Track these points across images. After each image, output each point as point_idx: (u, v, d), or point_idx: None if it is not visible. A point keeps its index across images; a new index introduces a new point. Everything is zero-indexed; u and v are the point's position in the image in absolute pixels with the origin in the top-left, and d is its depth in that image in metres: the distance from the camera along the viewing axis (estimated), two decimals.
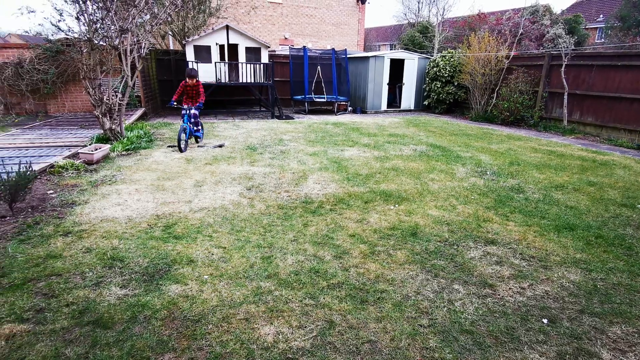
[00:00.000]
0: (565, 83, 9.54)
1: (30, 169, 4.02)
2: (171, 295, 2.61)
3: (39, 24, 35.64)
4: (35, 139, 7.16)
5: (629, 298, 2.73)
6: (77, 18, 6.39)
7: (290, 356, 2.10)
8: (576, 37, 16.22)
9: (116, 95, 6.96)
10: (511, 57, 11.00)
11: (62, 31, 6.69)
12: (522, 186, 5.17)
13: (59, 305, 2.46)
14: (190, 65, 10.62)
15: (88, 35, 6.53)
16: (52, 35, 10.26)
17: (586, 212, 4.33)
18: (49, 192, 4.50)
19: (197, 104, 7.06)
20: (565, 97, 9.60)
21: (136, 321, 2.34)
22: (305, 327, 2.34)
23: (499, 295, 2.75)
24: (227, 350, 2.13)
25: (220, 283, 2.77)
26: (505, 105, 10.62)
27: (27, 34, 8.71)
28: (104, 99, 6.60)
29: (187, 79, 6.91)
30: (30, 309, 2.42)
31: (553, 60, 9.99)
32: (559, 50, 9.79)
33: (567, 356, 2.17)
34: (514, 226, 3.91)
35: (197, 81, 7.01)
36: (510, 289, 2.83)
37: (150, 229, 3.58)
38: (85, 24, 6.47)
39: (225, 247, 3.30)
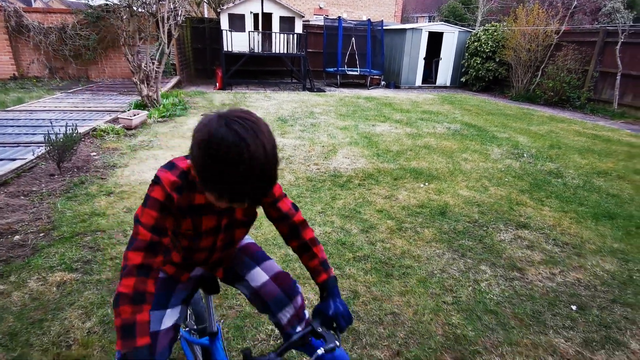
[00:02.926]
0: (619, 62, 8.82)
1: (76, 131, 4.24)
2: None
3: None
4: (79, 103, 7.51)
5: None
6: None
7: None
8: (635, 12, 14.79)
9: (153, 63, 7.12)
10: (561, 32, 10.23)
11: None
12: (561, 171, 4.94)
13: (104, 259, 2.66)
14: (224, 35, 10.55)
15: (127, 2, 6.64)
16: (92, 1, 10.50)
17: (629, 201, 4.11)
18: (92, 154, 4.76)
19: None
20: (619, 77, 8.90)
21: None
22: None
23: (527, 279, 2.71)
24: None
25: None
26: (550, 85, 9.99)
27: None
28: (142, 66, 6.77)
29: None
30: (79, 260, 2.63)
31: (608, 37, 9.22)
32: (616, 26, 9.00)
33: (594, 343, 2.14)
34: (549, 211, 3.78)
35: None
36: (539, 273, 2.78)
37: None
38: None
39: None
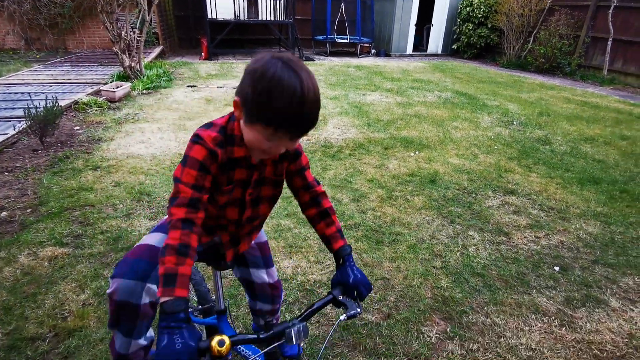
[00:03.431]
0: (611, 27, 8.73)
1: (57, 104, 4.10)
2: None
3: None
4: (58, 75, 7.22)
5: None
6: None
7: (307, 287, 2.25)
8: None
9: (134, 32, 6.81)
10: None
11: None
12: (549, 138, 4.99)
13: (94, 233, 2.65)
14: (207, 1, 10.08)
15: None
16: None
17: (614, 166, 4.19)
18: (75, 128, 4.63)
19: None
20: (610, 42, 8.83)
21: None
22: (322, 262, 2.47)
23: (513, 242, 2.79)
24: None
25: None
26: (542, 51, 9.89)
27: None
28: (122, 35, 6.47)
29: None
30: (69, 234, 2.62)
31: (601, 1, 9.06)
32: None
33: (575, 301, 2.24)
34: (536, 177, 3.84)
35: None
36: (525, 237, 2.86)
37: (174, 166, 3.70)
38: None
39: None
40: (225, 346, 0.81)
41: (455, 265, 2.51)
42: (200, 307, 1.56)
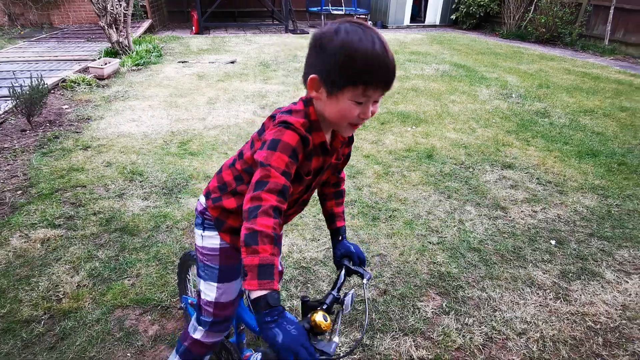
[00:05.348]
0: None
1: (43, 82, 3.97)
2: (190, 207, 2.72)
3: None
4: (44, 52, 6.98)
5: None
6: None
7: (304, 265, 2.24)
8: None
9: (120, 5, 6.53)
10: None
11: None
12: (548, 110, 4.91)
13: (87, 214, 2.61)
14: None
15: None
16: None
17: (613, 138, 4.15)
18: (64, 106, 4.51)
19: None
20: (612, 11, 8.58)
21: (159, 230, 2.49)
22: (318, 239, 2.45)
23: (510, 217, 2.78)
24: None
25: None
26: (543, 20, 9.61)
27: None
28: (108, 8, 6.21)
29: None
30: (61, 216, 2.58)
31: None
32: None
33: (571, 274, 2.25)
34: (534, 151, 3.80)
35: None
36: (522, 211, 2.85)
37: (166, 145, 3.62)
38: None
39: None
40: (329, 320, 0.85)
41: (451, 241, 2.50)
42: None
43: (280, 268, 1.37)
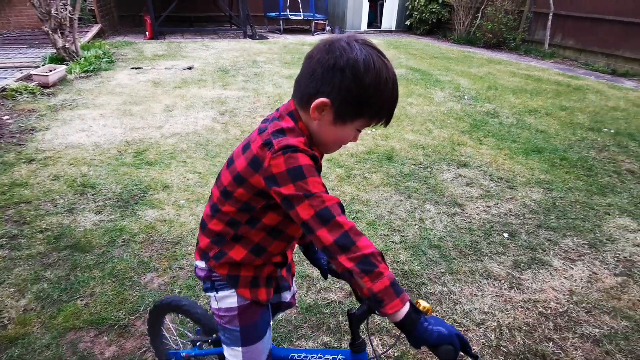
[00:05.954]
0: (551, 2, 9.15)
1: None
2: (148, 219, 2.61)
3: None
4: None
5: (583, 214, 2.96)
6: None
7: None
8: None
9: (66, 8, 6.18)
10: None
11: None
12: (497, 111, 5.21)
13: (32, 232, 2.43)
14: None
15: None
16: None
17: (555, 135, 4.47)
18: (4, 117, 4.18)
19: None
20: (550, 17, 9.28)
21: (115, 245, 2.37)
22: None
23: (466, 213, 2.91)
24: None
25: (198, 207, 2.78)
26: (489, 27, 10.21)
27: None
28: (52, 12, 5.85)
29: None
30: (3, 235, 2.38)
31: None
32: None
33: (522, 264, 2.40)
34: (486, 149, 4.01)
35: None
36: (477, 207, 2.99)
37: (121, 155, 3.46)
38: None
39: (200, 173, 3.26)
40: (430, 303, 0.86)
41: (413, 239, 2.58)
42: (210, 339, 1.35)
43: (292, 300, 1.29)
